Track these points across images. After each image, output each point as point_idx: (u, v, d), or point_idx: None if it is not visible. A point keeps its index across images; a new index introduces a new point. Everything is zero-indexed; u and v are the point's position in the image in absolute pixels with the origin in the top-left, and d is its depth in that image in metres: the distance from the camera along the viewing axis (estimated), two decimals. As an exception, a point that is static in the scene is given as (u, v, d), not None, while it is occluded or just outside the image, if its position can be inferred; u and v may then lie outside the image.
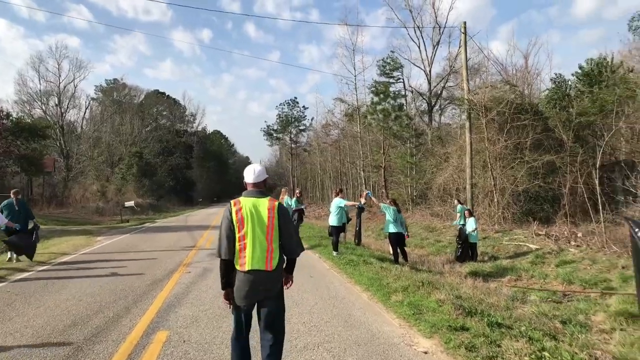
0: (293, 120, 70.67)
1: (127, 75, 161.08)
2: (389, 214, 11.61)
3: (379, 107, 31.76)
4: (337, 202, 12.23)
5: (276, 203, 3.75)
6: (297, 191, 16.40)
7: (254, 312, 3.82)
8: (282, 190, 15.72)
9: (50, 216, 28.67)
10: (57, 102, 54.33)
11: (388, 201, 12.97)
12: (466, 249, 13.93)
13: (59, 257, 12.23)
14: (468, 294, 7.40)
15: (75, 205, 37.25)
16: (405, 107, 33.33)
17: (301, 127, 70.57)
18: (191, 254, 12.41)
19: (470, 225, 13.86)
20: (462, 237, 14.01)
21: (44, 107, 53.97)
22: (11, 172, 24.67)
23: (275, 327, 3.78)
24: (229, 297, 3.76)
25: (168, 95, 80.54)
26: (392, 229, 11.53)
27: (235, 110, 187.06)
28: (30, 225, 11.35)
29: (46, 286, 8.22)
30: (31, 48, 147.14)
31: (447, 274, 10.76)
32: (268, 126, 73.24)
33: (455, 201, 18.07)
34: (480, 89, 22.17)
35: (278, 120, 71.66)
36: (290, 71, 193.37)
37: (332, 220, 12.12)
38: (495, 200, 19.76)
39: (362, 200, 13.39)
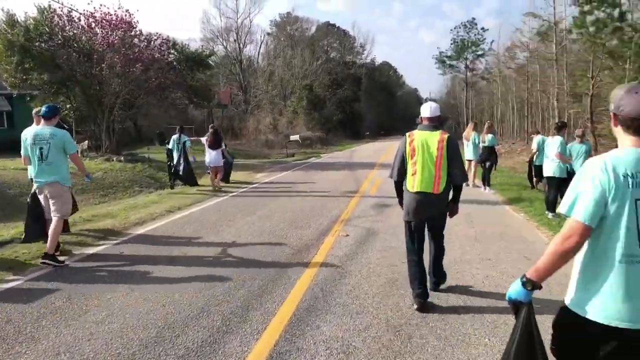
0: (470, 44, 63.40)
1: (300, 10, 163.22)
2: None
3: (589, 18, 24.92)
4: (558, 141, 8.46)
5: (446, 136, 4.24)
6: (487, 124, 12.72)
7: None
8: (470, 124, 12.50)
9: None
10: (235, 38, 56.73)
11: None
12: None
13: (193, 206, 10.87)
14: None
15: (248, 138, 38.15)
16: (630, 16, 25.75)
17: (479, 52, 63.00)
18: (352, 204, 9.99)
19: None
20: None
21: (224, 44, 56.79)
22: (181, 104, 24.95)
23: (438, 237, 4.60)
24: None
25: (338, 27, 78.84)
26: None
27: (405, 40, 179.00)
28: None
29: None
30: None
31: None
32: (441, 52, 67.24)
33: None
34: None
35: (452, 46, 65.20)
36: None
37: (551, 170, 8.50)
38: None
39: None
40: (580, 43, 26.77)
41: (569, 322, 1.98)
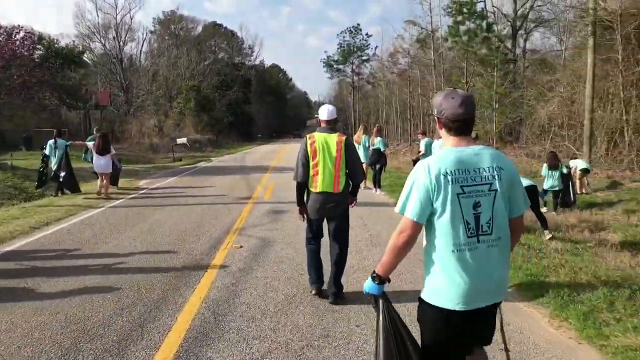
0: (355, 49, 65.57)
1: (186, 9, 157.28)
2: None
3: (462, 28, 26.87)
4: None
5: (343, 138, 4.46)
6: (376, 128, 12.99)
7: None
8: (360, 127, 12.71)
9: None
10: (114, 35, 52.78)
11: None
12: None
13: (63, 220, 9.75)
14: None
15: (131, 141, 35.58)
16: (495, 28, 28.17)
17: (364, 57, 65.40)
18: (246, 211, 9.53)
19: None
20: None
21: (102, 41, 52.61)
22: (51, 105, 22.51)
23: (340, 239, 4.57)
24: (302, 212, 4.69)
25: (225, 27, 77.26)
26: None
27: (294, 45, 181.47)
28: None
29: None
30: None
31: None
32: (328, 57, 68.63)
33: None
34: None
35: (339, 51, 66.81)
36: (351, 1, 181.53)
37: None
38: (627, 140, 15.45)
39: None
40: (455, 51, 28.75)
41: (426, 311, 2.16)
